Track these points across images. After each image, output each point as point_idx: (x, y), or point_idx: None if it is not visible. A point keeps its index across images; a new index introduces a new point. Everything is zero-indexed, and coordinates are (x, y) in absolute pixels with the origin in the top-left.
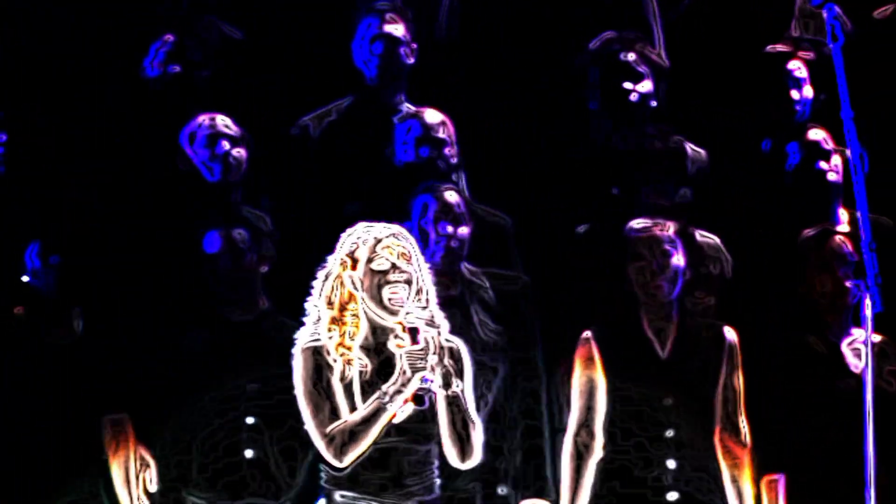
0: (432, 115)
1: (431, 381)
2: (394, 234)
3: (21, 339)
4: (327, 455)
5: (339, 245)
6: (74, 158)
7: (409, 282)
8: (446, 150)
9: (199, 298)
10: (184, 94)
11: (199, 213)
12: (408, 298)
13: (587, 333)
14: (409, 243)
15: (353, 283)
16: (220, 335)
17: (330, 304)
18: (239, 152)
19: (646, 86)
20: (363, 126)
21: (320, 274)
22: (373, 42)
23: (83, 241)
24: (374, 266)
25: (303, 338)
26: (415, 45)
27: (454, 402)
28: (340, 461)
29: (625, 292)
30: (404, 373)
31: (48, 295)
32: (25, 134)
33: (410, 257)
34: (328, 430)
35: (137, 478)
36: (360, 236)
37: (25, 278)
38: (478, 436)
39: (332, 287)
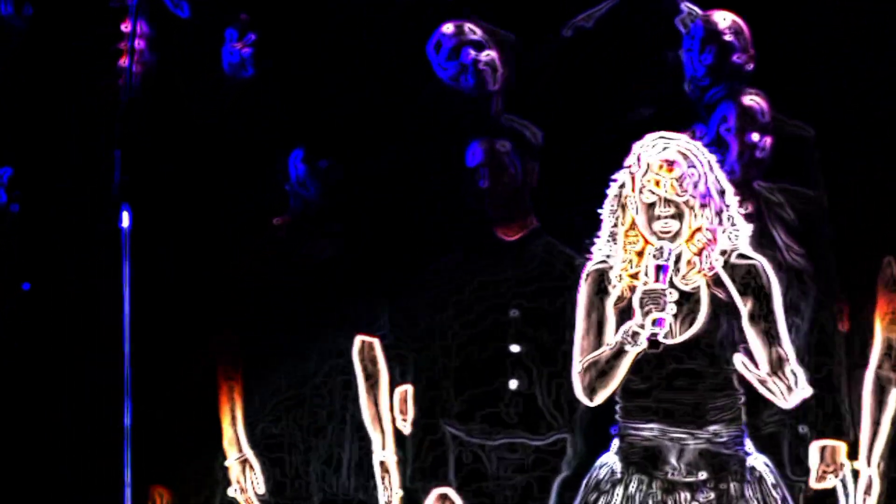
0: (722, 18)
1: (662, 326)
2: (665, 162)
3: (281, 253)
4: (578, 390)
5: (630, 156)
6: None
7: (678, 215)
8: (735, 57)
9: (463, 216)
10: None
11: (459, 125)
12: (681, 230)
13: (888, 259)
14: (686, 165)
15: (634, 207)
16: (481, 255)
17: (616, 224)
18: (489, 56)
19: None
20: (638, 26)
21: (614, 185)
22: None
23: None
24: (643, 198)
25: (596, 254)
26: None
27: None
28: (590, 400)
29: None
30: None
31: (313, 204)
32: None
33: (684, 182)
34: (584, 360)
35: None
36: (639, 156)
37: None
38: (783, 367)
39: (618, 208)
